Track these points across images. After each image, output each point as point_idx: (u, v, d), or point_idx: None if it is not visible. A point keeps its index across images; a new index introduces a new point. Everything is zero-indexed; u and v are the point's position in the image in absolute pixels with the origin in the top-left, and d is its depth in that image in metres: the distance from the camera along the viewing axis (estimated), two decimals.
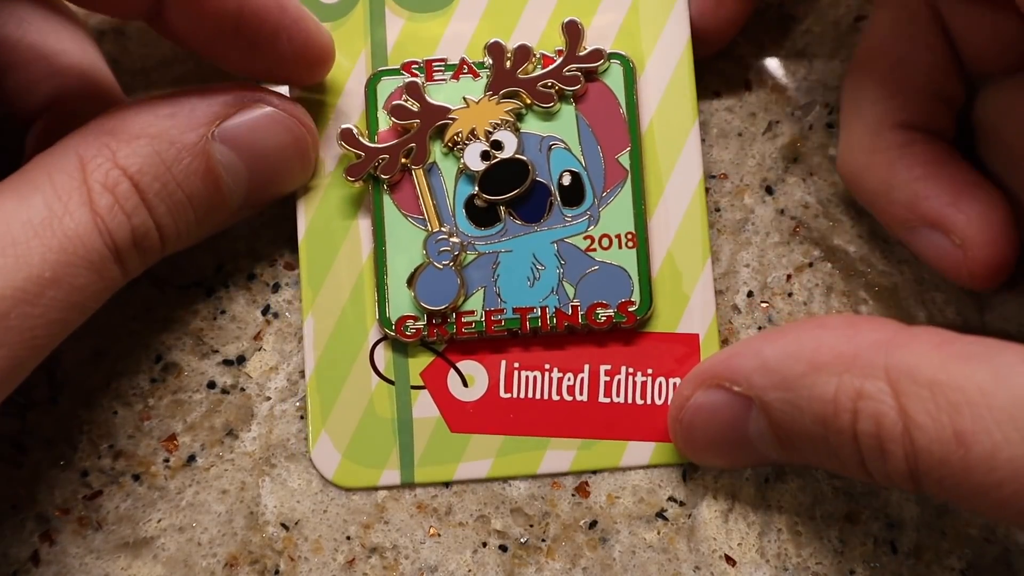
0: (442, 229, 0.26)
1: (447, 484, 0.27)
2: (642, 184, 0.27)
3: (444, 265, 0.26)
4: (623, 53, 0.27)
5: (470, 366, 0.27)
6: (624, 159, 0.27)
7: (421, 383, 0.27)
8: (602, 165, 0.27)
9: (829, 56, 0.30)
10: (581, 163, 0.27)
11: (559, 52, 0.27)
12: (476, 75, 0.27)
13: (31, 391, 0.28)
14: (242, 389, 0.28)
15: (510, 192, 0.26)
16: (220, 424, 0.28)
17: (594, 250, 0.26)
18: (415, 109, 0.26)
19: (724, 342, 0.28)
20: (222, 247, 0.28)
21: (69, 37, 0.27)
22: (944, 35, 0.26)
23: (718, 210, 0.29)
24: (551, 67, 0.26)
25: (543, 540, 0.27)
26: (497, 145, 0.26)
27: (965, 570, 0.26)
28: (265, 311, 0.28)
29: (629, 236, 0.26)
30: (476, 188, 0.26)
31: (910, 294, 0.28)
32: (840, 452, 0.22)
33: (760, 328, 0.28)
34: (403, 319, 0.26)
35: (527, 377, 0.27)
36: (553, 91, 0.26)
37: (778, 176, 0.29)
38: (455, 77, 0.27)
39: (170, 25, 0.24)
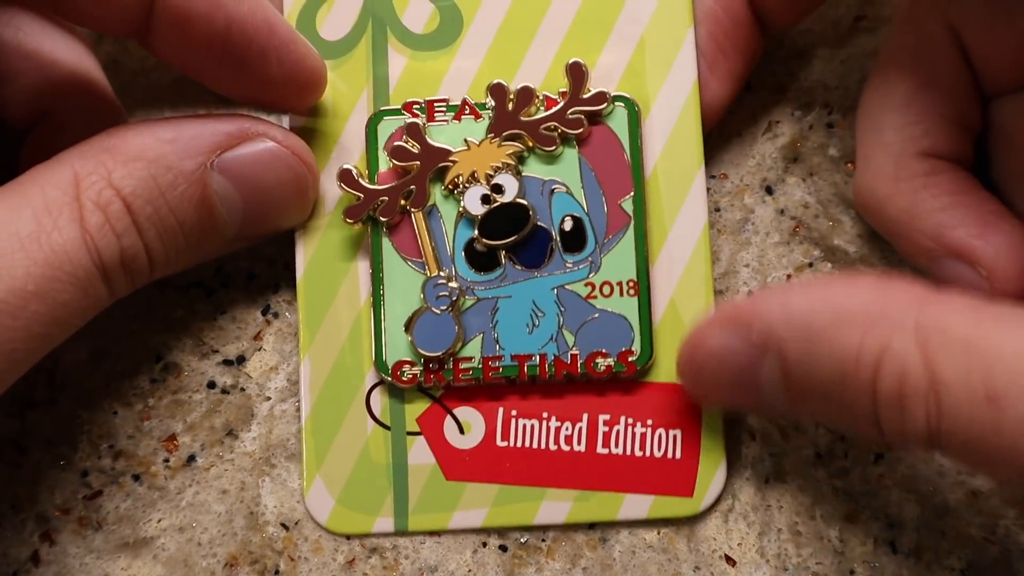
0: (440, 274, 0.26)
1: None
2: (645, 231, 0.26)
3: (442, 310, 0.26)
4: (628, 96, 0.26)
5: (467, 413, 0.26)
6: (627, 205, 0.26)
7: (417, 429, 0.26)
8: (604, 210, 0.26)
9: (829, 56, 0.29)
10: (583, 208, 0.26)
11: (563, 94, 0.26)
12: (478, 116, 0.26)
13: (31, 391, 0.28)
14: (242, 389, 0.28)
15: (510, 237, 0.26)
16: (220, 424, 0.28)
17: (595, 297, 0.26)
18: (415, 151, 0.26)
19: None
20: None
21: (65, 47, 0.27)
22: (964, 59, 0.25)
23: (718, 210, 0.28)
24: (554, 109, 0.26)
25: (543, 540, 0.27)
26: (498, 189, 0.26)
27: (965, 570, 0.26)
28: (265, 311, 0.28)
29: (631, 284, 0.26)
30: (476, 232, 0.26)
31: None
32: (854, 407, 0.21)
33: None
34: (400, 364, 0.26)
35: (525, 425, 0.26)
36: (556, 134, 0.26)
37: (778, 176, 0.28)
38: (457, 118, 0.26)
39: (157, 44, 0.24)
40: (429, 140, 0.26)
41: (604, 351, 0.26)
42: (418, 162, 0.26)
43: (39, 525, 0.27)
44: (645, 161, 0.26)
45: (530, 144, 0.26)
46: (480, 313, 0.26)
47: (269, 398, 0.28)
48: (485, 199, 0.26)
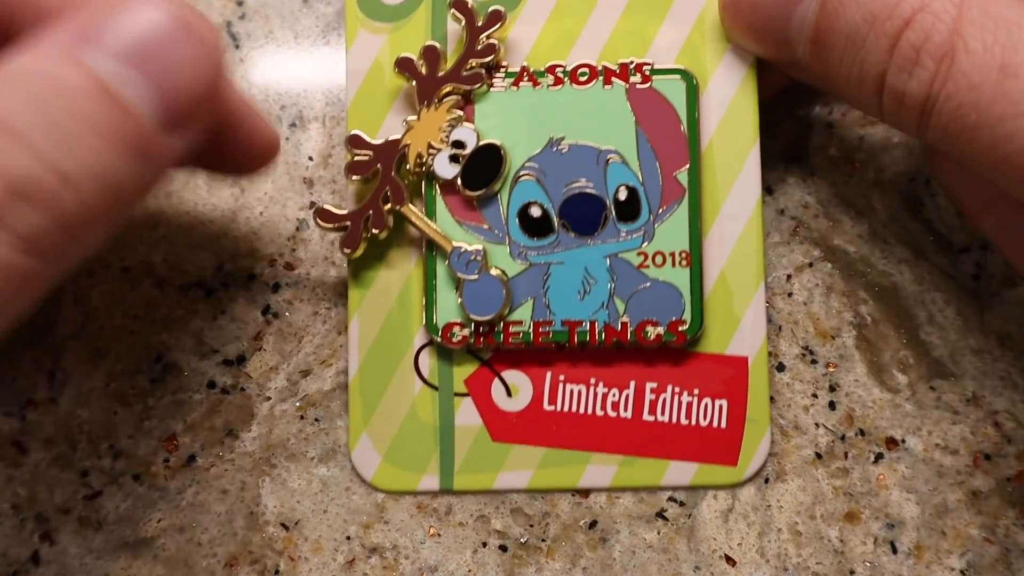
0: (457, 245, 0.26)
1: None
2: (699, 203, 0.26)
3: (478, 274, 0.26)
4: (686, 69, 0.26)
5: (515, 376, 0.27)
6: (682, 176, 0.26)
7: (465, 390, 0.27)
8: (660, 182, 0.26)
9: None
10: (638, 178, 0.26)
11: (621, 65, 0.26)
12: (536, 83, 0.26)
13: (31, 391, 0.28)
14: (242, 389, 0.28)
15: (497, 175, 0.26)
16: (220, 424, 0.28)
17: (647, 267, 0.26)
18: (368, 157, 0.26)
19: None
20: (222, 247, 0.28)
21: None
22: None
23: None
24: (459, 58, 0.26)
25: (543, 540, 0.27)
26: (459, 144, 0.26)
27: (965, 570, 0.26)
28: (265, 311, 0.28)
29: (683, 255, 0.26)
30: (460, 186, 0.26)
31: (910, 294, 0.28)
32: (868, 59, 0.22)
33: None
34: (450, 325, 0.26)
35: (572, 390, 0.27)
36: (478, 70, 0.26)
37: (778, 176, 0.28)
38: (515, 84, 0.27)
39: None
40: (371, 140, 0.26)
41: (654, 320, 0.26)
42: (377, 165, 0.26)
43: (39, 525, 0.27)
44: (701, 134, 0.27)
45: (465, 90, 0.26)
46: (532, 278, 0.26)
47: (269, 398, 0.28)
48: (454, 159, 0.26)
